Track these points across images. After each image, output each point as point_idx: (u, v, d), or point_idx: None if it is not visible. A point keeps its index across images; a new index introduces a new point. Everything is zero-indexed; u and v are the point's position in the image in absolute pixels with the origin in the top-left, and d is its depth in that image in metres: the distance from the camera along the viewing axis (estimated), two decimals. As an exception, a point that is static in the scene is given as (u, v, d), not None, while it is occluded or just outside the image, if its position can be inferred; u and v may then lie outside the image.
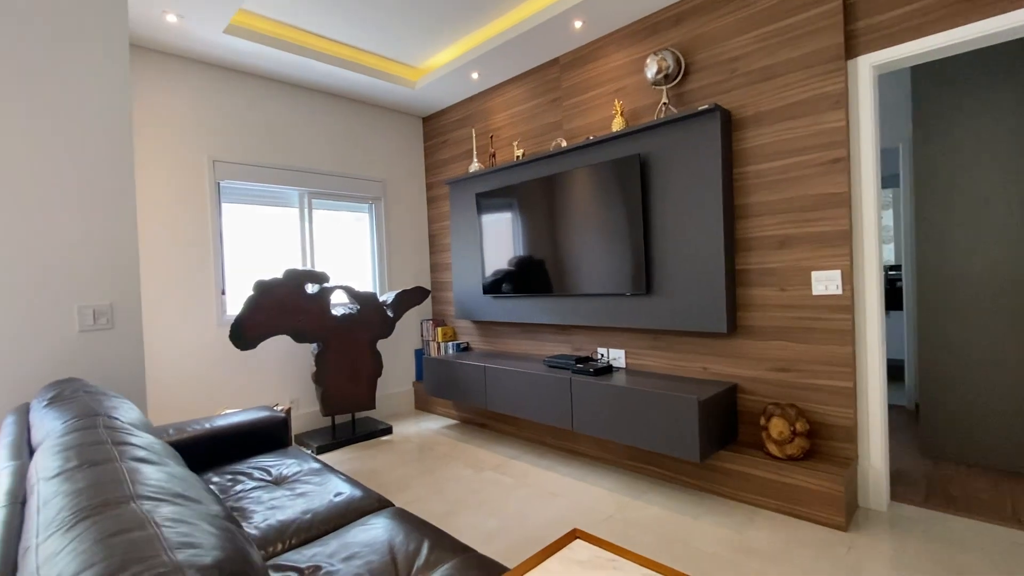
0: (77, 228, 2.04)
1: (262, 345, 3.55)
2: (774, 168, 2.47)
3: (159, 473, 0.89)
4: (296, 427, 3.72)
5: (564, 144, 3.22)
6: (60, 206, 1.99)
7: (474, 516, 2.40)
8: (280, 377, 3.64)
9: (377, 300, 3.72)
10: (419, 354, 4.45)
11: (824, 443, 2.39)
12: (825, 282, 2.34)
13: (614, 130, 2.91)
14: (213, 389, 3.32)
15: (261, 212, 3.65)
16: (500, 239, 3.66)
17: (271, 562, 1.38)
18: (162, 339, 3.13)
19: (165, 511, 0.73)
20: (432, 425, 3.94)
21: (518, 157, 3.51)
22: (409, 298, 3.91)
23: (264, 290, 3.14)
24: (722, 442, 2.52)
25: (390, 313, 3.78)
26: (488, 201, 3.71)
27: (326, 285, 3.46)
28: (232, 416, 2.31)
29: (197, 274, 3.26)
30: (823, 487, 2.17)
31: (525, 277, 3.49)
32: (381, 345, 4.26)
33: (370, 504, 1.73)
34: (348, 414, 3.88)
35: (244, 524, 1.60)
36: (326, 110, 3.91)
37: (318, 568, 1.32)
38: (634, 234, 2.84)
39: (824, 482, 2.17)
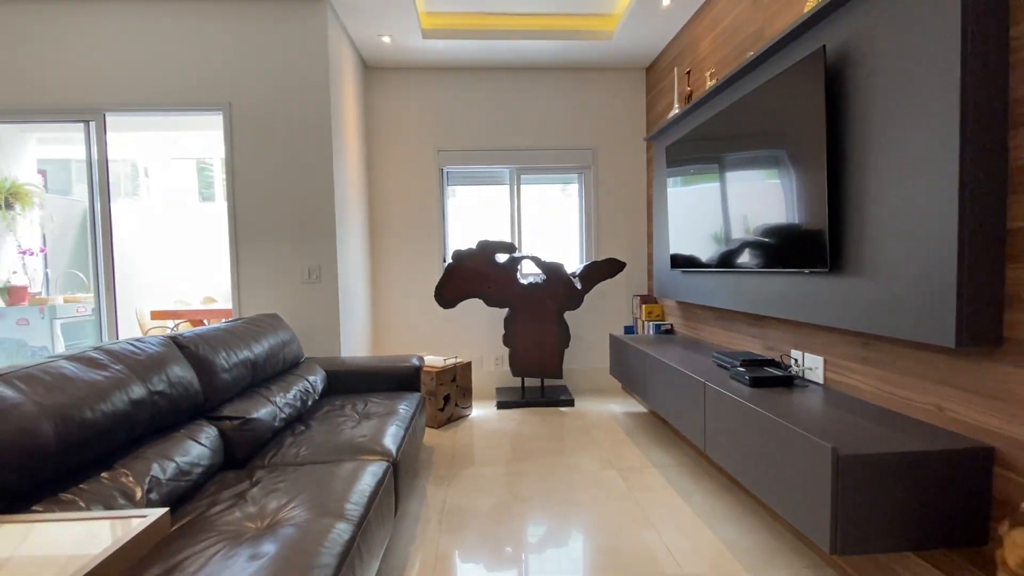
0: (301, 215, 2.93)
1: (468, 305, 4.09)
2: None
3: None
4: (496, 381, 4.14)
5: (751, 55, 2.30)
6: (293, 204, 2.91)
7: (536, 512, 2.17)
8: (484, 334, 4.12)
9: (563, 271, 3.66)
10: (628, 331, 4.12)
11: None
12: None
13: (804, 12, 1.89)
14: (427, 337, 4.09)
15: (478, 191, 4.15)
16: (682, 199, 2.96)
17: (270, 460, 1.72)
18: (392, 294, 4.06)
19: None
20: (616, 409, 3.64)
21: (698, 93, 2.73)
22: (599, 270, 3.68)
23: (459, 258, 3.61)
24: (929, 541, 1.39)
25: (578, 285, 3.66)
26: (674, 154, 3.05)
27: (514, 255, 3.66)
28: (384, 359, 2.84)
29: (423, 242, 4.04)
30: None
31: (701, 244, 2.73)
32: (589, 318, 4.17)
33: (377, 454, 1.87)
34: (537, 378, 4.02)
35: (296, 428, 2.02)
36: (530, 85, 4.02)
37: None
38: (812, 175, 1.82)
39: None
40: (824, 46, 1.75)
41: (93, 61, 2.89)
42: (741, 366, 2.18)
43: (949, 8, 1.35)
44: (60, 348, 4.45)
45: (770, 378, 2.04)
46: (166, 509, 0.86)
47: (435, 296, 3.60)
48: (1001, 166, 1.33)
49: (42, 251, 4.82)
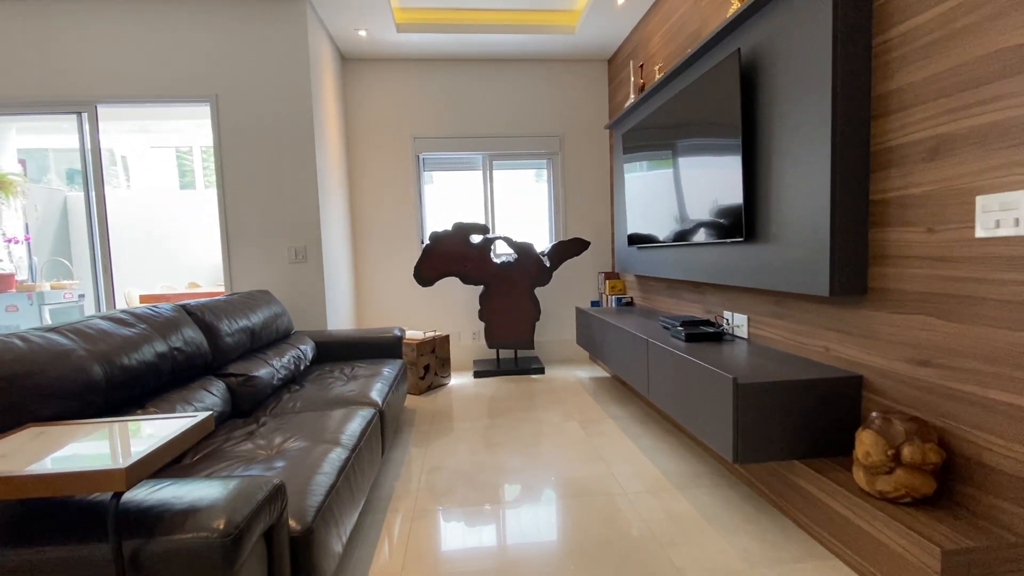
0: (286, 200, 3.16)
1: (446, 283, 4.38)
2: (930, 20, 1.44)
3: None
4: (473, 354, 4.45)
5: (690, 52, 2.61)
6: (279, 190, 3.14)
7: (506, 454, 2.50)
8: (460, 310, 4.41)
9: (534, 250, 3.97)
10: (595, 305, 4.46)
11: (967, 492, 1.37)
12: (998, 214, 1.28)
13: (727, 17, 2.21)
14: (407, 313, 4.37)
15: (453, 177, 4.41)
16: (637, 182, 3.29)
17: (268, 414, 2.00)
18: (374, 274, 4.32)
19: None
20: (583, 375, 3.99)
21: (649, 84, 3.04)
22: (566, 249, 3.99)
23: (436, 240, 3.89)
24: (814, 451, 1.75)
25: (547, 263, 3.98)
26: (630, 141, 3.36)
27: (488, 236, 3.94)
28: (368, 331, 3.12)
29: (402, 225, 4.30)
30: (918, 559, 1.30)
31: (652, 223, 3.07)
32: (559, 294, 4.49)
33: (364, 403, 2.16)
34: (511, 349, 4.34)
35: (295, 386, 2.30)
36: (499, 75, 4.28)
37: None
38: (732, 160, 2.15)
39: (922, 551, 1.29)
40: (739, 49, 2.07)
41: (85, 55, 3.05)
42: (680, 326, 2.53)
43: (823, 20, 1.68)
44: (50, 333, 4.60)
45: (703, 334, 2.39)
46: (210, 412, 1.14)
47: (414, 275, 3.87)
48: (864, 150, 1.67)
49: (26, 239, 4.93)
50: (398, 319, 4.35)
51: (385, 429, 2.22)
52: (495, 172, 4.42)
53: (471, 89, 4.27)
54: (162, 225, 6.13)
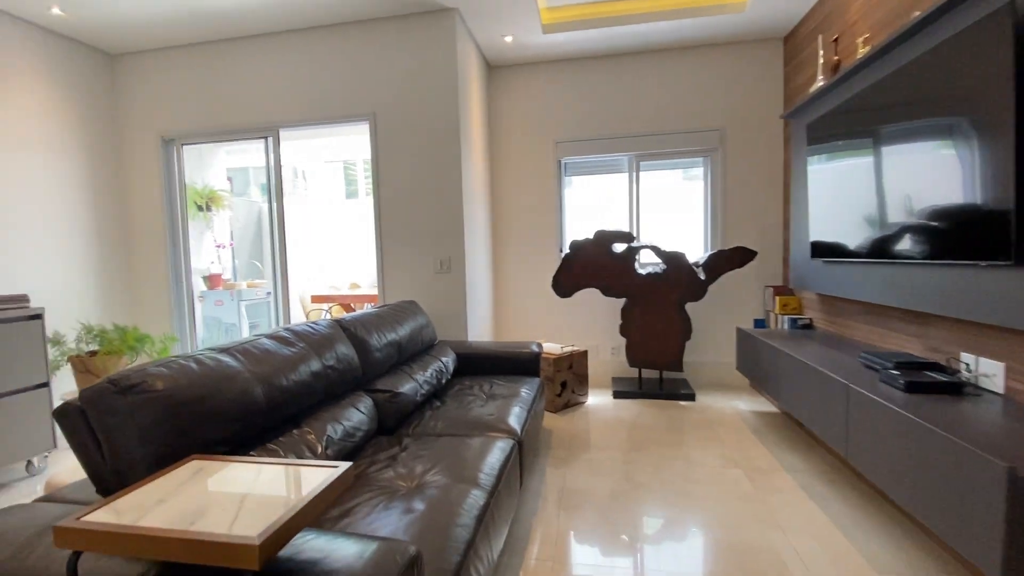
0: (434, 211, 3.22)
1: (585, 295, 4.13)
2: None
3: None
4: (612, 370, 4.14)
5: (917, 15, 2.00)
6: (427, 201, 3.21)
7: (653, 500, 2.18)
8: (599, 324, 4.14)
9: (685, 260, 3.54)
10: (758, 324, 3.85)
11: None
12: None
13: (989, -32, 1.62)
14: (544, 324, 4.21)
15: (595, 181, 4.15)
16: (827, 180, 2.69)
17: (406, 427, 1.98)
18: (513, 283, 4.23)
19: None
20: (742, 406, 3.45)
21: (847, 62, 2.45)
22: (726, 260, 3.49)
23: (576, 249, 3.67)
24: None
25: (702, 275, 3.52)
26: (818, 130, 2.77)
27: (632, 244, 3.62)
28: (506, 345, 3.03)
29: (541, 233, 4.16)
30: None
31: (848, 230, 2.47)
32: (713, 310, 3.98)
33: (503, 431, 2.03)
34: (655, 369, 3.94)
35: (434, 404, 2.27)
36: (650, 69, 3.89)
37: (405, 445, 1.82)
38: (996, 146, 1.57)
39: None
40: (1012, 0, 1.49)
41: (270, 88, 3.43)
42: (895, 368, 1.97)
43: None
44: (245, 325, 5.39)
45: (931, 383, 1.81)
46: (350, 464, 1.06)
47: (552, 286, 3.71)
48: None
49: (231, 244, 5.85)
50: (535, 330, 4.24)
51: (524, 460, 2.07)
52: (642, 174, 4.05)
53: (618, 86, 3.96)
54: (331, 231, 6.88)
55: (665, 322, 3.62)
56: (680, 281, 3.56)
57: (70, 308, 3.33)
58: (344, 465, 1.05)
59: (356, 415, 1.89)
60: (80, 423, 1.18)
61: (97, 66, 3.54)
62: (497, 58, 3.94)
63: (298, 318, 5.80)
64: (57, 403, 3.20)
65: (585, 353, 3.60)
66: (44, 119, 3.19)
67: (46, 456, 2.68)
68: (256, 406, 1.44)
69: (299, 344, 1.76)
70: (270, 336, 1.72)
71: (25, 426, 2.53)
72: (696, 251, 4.06)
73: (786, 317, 3.39)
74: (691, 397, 3.58)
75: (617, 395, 3.69)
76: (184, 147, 3.70)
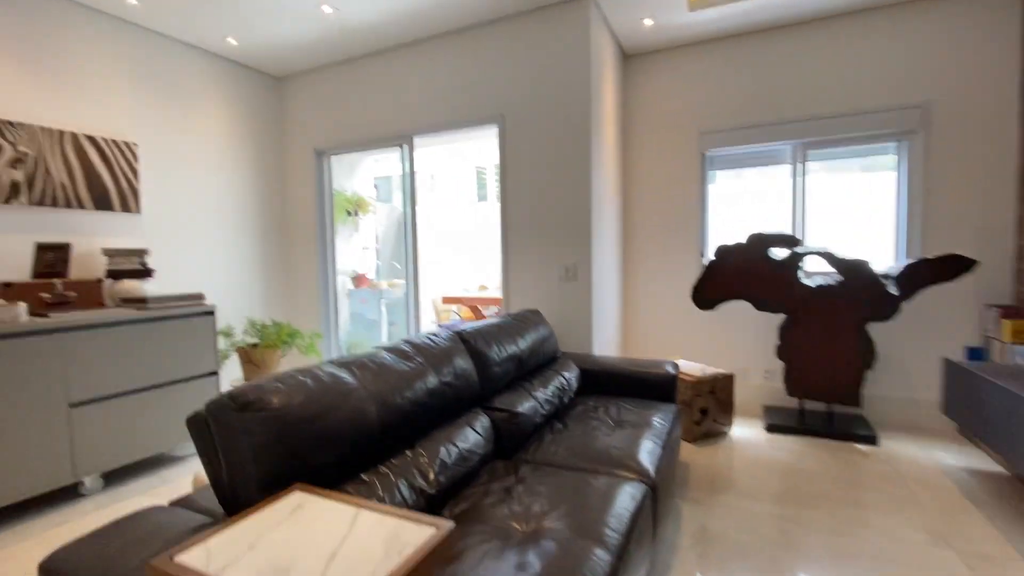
0: (560, 215, 3.03)
1: (732, 309, 3.59)
2: None
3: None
4: (764, 397, 3.54)
5: None
6: (554, 205, 3.04)
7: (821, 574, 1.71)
8: (749, 343, 3.56)
9: (868, 270, 2.86)
10: (974, 354, 2.98)
11: None
12: None
13: None
14: (680, 340, 3.75)
15: (747, 176, 3.59)
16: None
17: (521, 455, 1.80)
18: (644, 293, 3.84)
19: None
20: (949, 460, 2.67)
21: None
22: (931, 271, 2.74)
23: (723, 254, 3.20)
24: None
25: (893, 289, 2.82)
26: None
27: (796, 250, 3.04)
28: (637, 363, 2.71)
29: (679, 236, 3.72)
30: None
31: None
32: (905, 332, 3.19)
33: (633, 472, 1.75)
34: (823, 401, 3.27)
35: (549, 431, 2.06)
36: (825, 38, 3.22)
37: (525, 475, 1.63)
38: None
39: None
40: None
41: (404, 96, 3.54)
42: None
43: None
44: (384, 323, 5.76)
45: None
46: (452, 525, 0.90)
47: (692, 296, 3.27)
48: None
49: (375, 247, 6.31)
50: (668, 347, 3.81)
51: (657, 508, 1.76)
52: (809, 164, 3.40)
53: (779, 64, 3.37)
54: (463, 234, 7.09)
55: (839, 344, 2.98)
56: (862, 296, 2.89)
57: (238, 305, 3.79)
58: (446, 525, 0.89)
59: (472, 436, 1.76)
60: (205, 433, 1.18)
61: (265, 88, 3.98)
62: (634, 45, 3.60)
63: (430, 318, 6.05)
64: (225, 388, 3.66)
65: (731, 377, 3.11)
66: (221, 139, 3.66)
67: (216, 435, 3.04)
68: (369, 427, 1.36)
69: (417, 359, 1.67)
70: (390, 349, 1.66)
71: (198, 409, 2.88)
72: (882, 259, 3.29)
73: (1018, 348, 2.56)
74: (871, 440, 2.89)
75: (771, 429, 3.13)
76: (332, 157, 4.00)
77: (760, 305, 3.15)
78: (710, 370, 3.13)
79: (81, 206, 2.80)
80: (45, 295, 2.45)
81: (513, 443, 1.95)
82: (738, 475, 2.54)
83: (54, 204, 2.69)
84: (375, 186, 7.00)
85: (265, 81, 3.98)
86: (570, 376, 2.55)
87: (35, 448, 2.21)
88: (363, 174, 5.68)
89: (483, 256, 6.93)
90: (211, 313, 2.94)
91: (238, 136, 3.77)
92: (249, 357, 3.37)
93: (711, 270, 3.22)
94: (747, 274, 3.14)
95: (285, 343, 3.51)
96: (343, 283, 4.49)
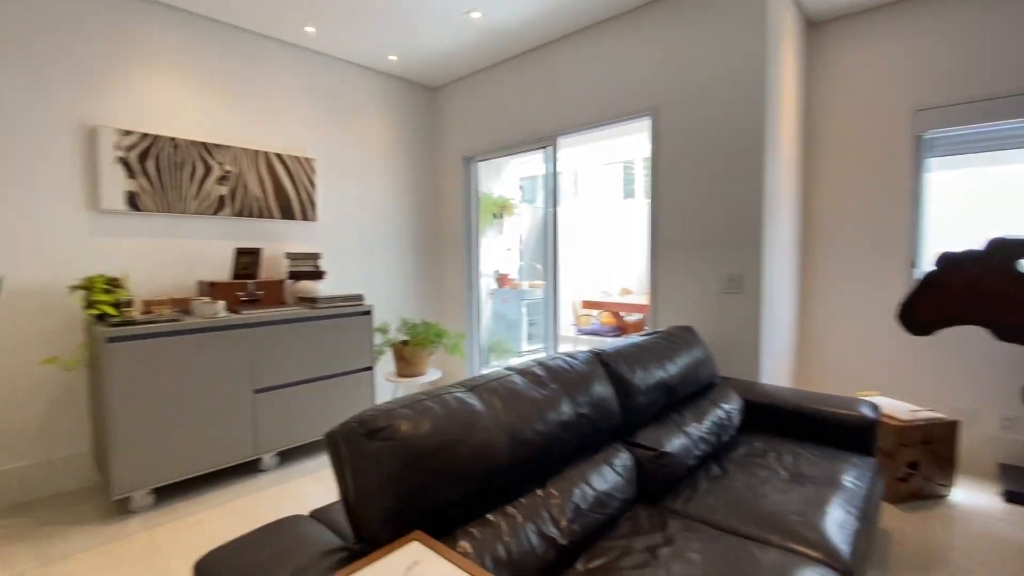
0: (723, 216, 2.63)
1: (956, 335, 2.76)
2: None
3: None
4: (1003, 453, 2.67)
5: None
6: (715, 204, 2.66)
7: None
8: (980, 380, 2.71)
9: None
10: None
11: None
12: None
13: None
14: (879, 372, 3.00)
15: (979, 163, 2.73)
16: None
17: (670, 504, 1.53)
18: (829, 310, 3.16)
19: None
20: None
21: None
22: None
23: (949, 265, 2.47)
24: None
25: None
26: None
27: (1072, 263, 2.21)
28: (819, 399, 2.22)
29: (879, 241, 2.99)
30: None
31: None
32: None
33: (817, 555, 1.37)
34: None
35: (708, 484, 1.74)
36: None
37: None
38: None
39: None
40: None
41: (548, 96, 3.42)
42: None
43: None
44: (524, 323, 5.78)
45: None
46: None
47: (899, 317, 2.59)
48: None
49: (518, 248, 6.37)
50: (858, 378, 3.11)
51: (851, 603, 1.36)
52: (1098, 145, 2.46)
53: (1054, 6, 2.48)
54: (605, 234, 6.80)
55: None
56: None
57: (392, 303, 4.06)
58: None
59: (611, 476, 1.55)
60: (338, 454, 1.17)
61: (420, 99, 4.20)
62: (823, 9, 2.98)
63: (569, 321, 5.90)
64: (379, 382, 3.95)
65: (954, 424, 2.39)
66: (381, 150, 3.94)
67: (369, 426, 3.28)
68: (498, 461, 1.24)
69: (551, 385, 1.52)
70: (521, 372, 1.53)
71: (355, 400, 3.12)
72: None
73: None
74: None
75: (1011, 497, 2.34)
76: (479, 163, 4.06)
77: (1004, 334, 2.36)
78: (923, 413, 2.45)
79: (270, 215, 3.22)
80: (240, 294, 2.86)
81: (660, 488, 1.69)
82: (960, 556, 1.92)
83: (250, 214, 3.12)
84: (520, 187, 7.08)
85: (420, 92, 4.20)
86: (731, 409, 2.17)
87: (226, 426, 2.57)
88: (509, 176, 5.74)
89: (626, 257, 6.56)
90: (369, 313, 3.16)
91: (395, 147, 4.03)
92: (401, 354, 3.58)
93: (929, 285, 2.51)
94: (984, 292, 2.38)
95: (433, 342, 3.66)
96: (486, 283, 4.57)
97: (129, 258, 2.74)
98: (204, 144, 2.92)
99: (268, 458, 2.77)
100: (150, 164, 2.73)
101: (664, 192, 2.89)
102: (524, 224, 6.83)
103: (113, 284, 2.45)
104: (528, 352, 5.94)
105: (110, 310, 2.32)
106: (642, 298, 5.16)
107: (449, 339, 3.82)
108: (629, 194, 6.92)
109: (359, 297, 3.16)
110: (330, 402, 2.99)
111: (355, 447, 1.10)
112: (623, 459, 1.64)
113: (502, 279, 5.84)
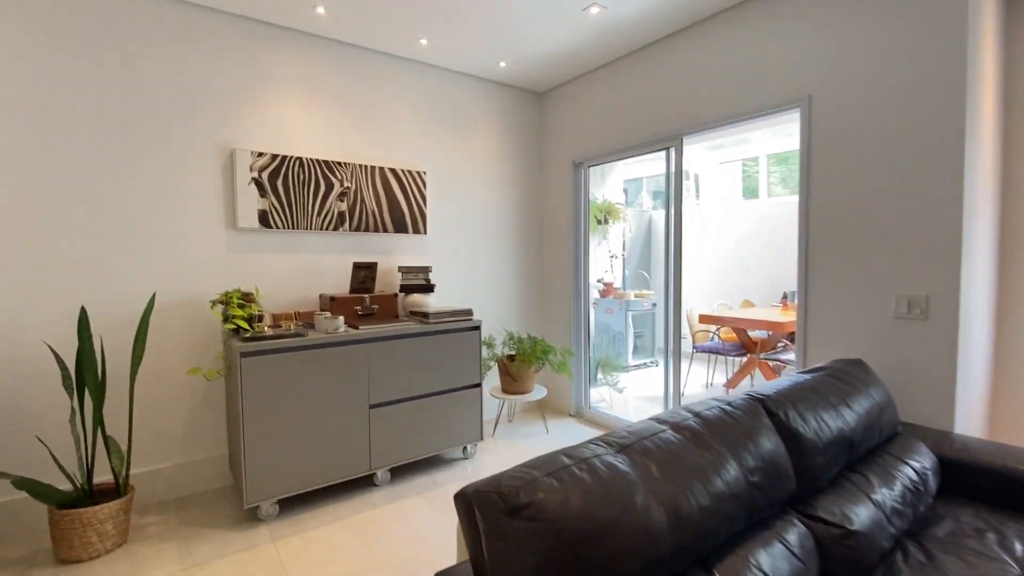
0: (902, 221, 2.15)
1: None
2: None
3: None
4: None
5: None
6: (890, 206, 2.19)
7: None
8: None
9: None
10: None
11: None
12: None
13: None
14: None
15: None
16: None
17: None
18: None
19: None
20: None
21: None
22: None
23: None
24: None
25: None
26: None
27: None
28: (1056, 463, 1.70)
29: None
30: None
31: None
32: None
33: None
34: None
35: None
36: None
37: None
38: None
39: None
40: None
41: (671, 94, 3.08)
42: None
43: None
44: (630, 335, 5.43)
45: None
46: None
47: None
48: None
49: (623, 254, 6.02)
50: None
51: None
52: None
53: None
54: (723, 237, 6.20)
55: None
56: None
57: (497, 316, 3.95)
58: None
59: (786, 558, 1.24)
60: (472, 523, 1.01)
61: (528, 105, 4.05)
62: (1041, -40, 2.34)
63: (685, 336, 5.45)
64: (486, 396, 3.87)
65: None
66: (489, 159, 3.84)
67: (475, 445, 3.18)
68: (657, 543, 1.01)
69: (714, 445, 1.25)
70: (674, 426, 1.27)
71: (464, 418, 3.04)
72: None
73: None
74: None
75: None
76: (589, 168, 3.82)
77: None
78: None
79: (385, 230, 3.25)
80: (357, 308, 2.89)
81: (845, 575, 1.35)
82: None
83: (366, 229, 3.17)
84: (624, 190, 6.71)
85: (528, 98, 4.06)
86: (923, 467, 1.73)
87: (345, 441, 2.59)
88: (614, 179, 5.43)
89: (747, 264, 5.93)
90: (478, 328, 3.07)
91: (501, 155, 3.92)
92: (507, 369, 3.46)
93: None
94: None
95: (539, 359, 3.49)
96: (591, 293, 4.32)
97: (258, 273, 2.89)
98: (326, 162, 3.00)
99: (381, 473, 2.76)
100: (279, 183, 2.85)
101: (819, 192, 2.44)
102: (629, 229, 6.45)
103: (246, 298, 2.57)
104: (635, 366, 5.57)
105: (244, 324, 2.42)
106: (767, 312, 4.58)
107: (556, 355, 3.63)
108: (752, 193, 6.26)
109: (468, 312, 3.07)
110: (440, 419, 2.93)
111: (494, 525, 0.93)
112: (799, 536, 1.32)
113: (607, 288, 5.53)
